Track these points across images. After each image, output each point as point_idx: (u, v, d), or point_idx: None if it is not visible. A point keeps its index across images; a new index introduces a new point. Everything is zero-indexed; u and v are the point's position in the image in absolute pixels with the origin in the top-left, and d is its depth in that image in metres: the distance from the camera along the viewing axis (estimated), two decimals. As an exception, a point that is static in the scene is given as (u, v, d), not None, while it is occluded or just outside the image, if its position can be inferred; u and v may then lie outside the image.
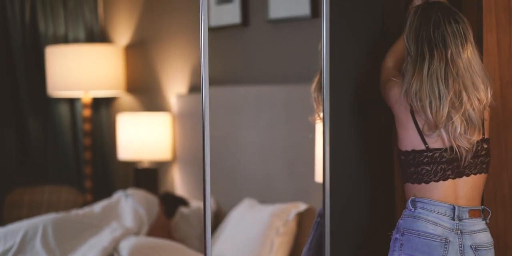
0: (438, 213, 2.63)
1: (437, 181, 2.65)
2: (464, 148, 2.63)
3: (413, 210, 2.65)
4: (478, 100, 2.64)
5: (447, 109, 2.60)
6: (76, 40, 6.09)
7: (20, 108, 5.94)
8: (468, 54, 2.66)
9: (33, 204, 5.61)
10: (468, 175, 2.68)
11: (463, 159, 2.65)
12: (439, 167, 2.64)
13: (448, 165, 2.65)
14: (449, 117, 2.61)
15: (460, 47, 2.65)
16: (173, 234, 4.72)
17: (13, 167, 5.92)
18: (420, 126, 2.65)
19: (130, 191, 4.90)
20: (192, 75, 5.18)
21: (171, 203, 4.83)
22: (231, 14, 4.71)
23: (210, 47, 2.80)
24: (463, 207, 2.65)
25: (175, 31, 5.38)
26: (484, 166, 2.72)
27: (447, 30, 2.65)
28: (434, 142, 2.65)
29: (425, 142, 2.65)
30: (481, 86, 2.65)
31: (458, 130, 2.61)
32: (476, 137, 2.64)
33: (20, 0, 5.94)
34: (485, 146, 2.72)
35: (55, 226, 4.57)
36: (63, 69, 5.66)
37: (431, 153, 2.64)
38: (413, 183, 2.69)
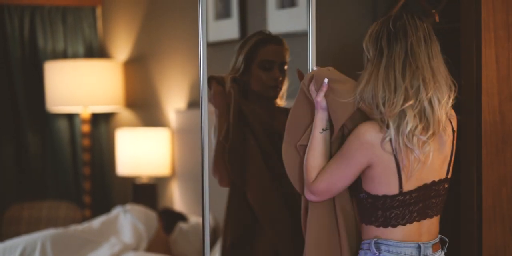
0: (404, 255, 2.44)
1: (404, 224, 2.44)
2: (415, 156, 2.38)
3: (377, 254, 2.45)
4: (438, 100, 2.39)
5: (401, 101, 2.36)
6: (75, 56, 6.10)
7: (19, 123, 5.95)
8: (433, 52, 2.42)
9: (31, 220, 5.61)
10: (431, 217, 2.49)
11: (410, 170, 2.39)
12: (407, 210, 2.43)
13: (415, 206, 2.43)
14: (402, 112, 2.36)
15: (422, 39, 2.42)
16: (172, 250, 4.72)
17: (12, 183, 5.91)
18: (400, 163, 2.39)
19: (129, 206, 4.89)
20: (191, 91, 5.19)
21: (169, 219, 4.83)
22: (229, 29, 4.72)
23: (209, 62, 2.79)
24: (426, 243, 2.47)
25: (174, 47, 5.40)
26: (442, 205, 2.54)
27: (409, 22, 2.43)
28: (409, 183, 2.41)
29: (400, 186, 2.41)
30: (444, 86, 2.41)
31: (410, 126, 2.36)
32: (429, 140, 2.38)
33: (19, 15, 5.96)
34: (446, 186, 2.51)
35: (54, 241, 4.56)
36: (62, 85, 5.67)
37: (402, 197, 2.42)
38: (378, 226, 2.46)
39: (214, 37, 4.82)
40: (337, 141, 2.50)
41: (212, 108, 3.05)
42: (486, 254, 3.03)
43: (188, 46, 5.22)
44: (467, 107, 3.04)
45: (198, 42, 2.78)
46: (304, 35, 4.13)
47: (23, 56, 5.96)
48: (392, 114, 2.36)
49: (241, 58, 3.02)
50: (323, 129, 2.49)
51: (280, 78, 3.00)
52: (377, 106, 2.38)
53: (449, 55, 3.18)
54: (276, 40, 3.05)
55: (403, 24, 2.42)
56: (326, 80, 2.49)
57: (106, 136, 6.15)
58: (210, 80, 2.99)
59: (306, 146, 2.52)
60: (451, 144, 2.48)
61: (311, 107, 2.56)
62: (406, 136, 2.36)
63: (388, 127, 2.37)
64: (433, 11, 3.39)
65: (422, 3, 3.43)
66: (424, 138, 2.38)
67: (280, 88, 3.03)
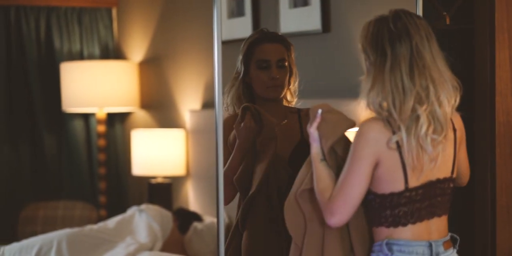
0: (416, 254, 2.40)
1: (413, 223, 2.40)
2: (429, 155, 2.35)
3: (389, 254, 2.40)
4: (448, 101, 2.36)
5: (411, 103, 2.32)
6: (91, 57, 6.13)
7: (35, 123, 5.98)
8: (435, 51, 2.38)
9: (47, 220, 5.64)
10: (439, 216, 2.45)
11: (424, 169, 2.37)
12: (414, 207, 2.39)
13: (421, 204, 2.40)
14: (414, 115, 2.33)
15: (425, 38, 2.36)
16: (187, 250, 4.73)
17: (28, 183, 5.95)
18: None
19: (144, 206, 4.91)
20: (205, 91, 5.20)
21: (184, 219, 4.85)
22: (242, 28, 4.74)
23: (223, 61, 2.78)
24: (437, 241, 2.43)
25: (188, 47, 5.41)
26: (448, 205, 2.50)
27: (409, 22, 2.37)
28: (414, 179, 2.38)
29: (406, 181, 2.37)
30: (449, 86, 2.37)
31: (424, 129, 2.33)
32: (442, 139, 2.36)
33: (35, 16, 5.99)
34: (451, 185, 2.48)
35: (70, 241, 4.59)
36: (78, 85, 5.70)
37: (409, 193, 2.38)
38: (388, 227, 2.41)
39: (227, 35, 4.84)
40: (333, 169, 2.48)
41: (226, 111, 3.03)
42: (500, 255, 3.03)
43: (203, 46, 5.24)
44: (480, 108, 3.05)
45: (212, 42, 2.76)
46: (316, 34, 4.15)
47: (39, 57, 6.00)
48: (404, 118, 2.32)
49: (240, 60, 3.01)
50: (321, 159, 2.46)
51: (278, 76, 2.95)
52: (388, 111, 2.33)
53: (462, 56, 3.18)
54: (271, 38, 2.98)
55: (404, 24, 2.36)
56: (319, 111, 2.47)
57: (121, 137, 6.18)
58: (245, 110, 2.91)
59: (309, 189, 2.49)
60: (453, 143, 2.45)
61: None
62: (421, 137, 2.33)
63: (399, 129, 2.33)
64: (444, 13, 3.36)
65: (434, 4, 3.41)
66: (439, 138, 2.35)
67: (282, 87, 2.98)
